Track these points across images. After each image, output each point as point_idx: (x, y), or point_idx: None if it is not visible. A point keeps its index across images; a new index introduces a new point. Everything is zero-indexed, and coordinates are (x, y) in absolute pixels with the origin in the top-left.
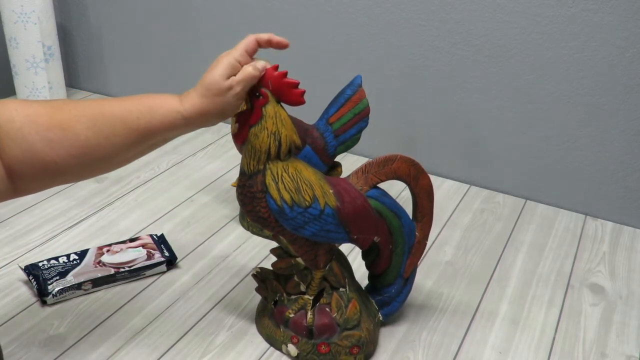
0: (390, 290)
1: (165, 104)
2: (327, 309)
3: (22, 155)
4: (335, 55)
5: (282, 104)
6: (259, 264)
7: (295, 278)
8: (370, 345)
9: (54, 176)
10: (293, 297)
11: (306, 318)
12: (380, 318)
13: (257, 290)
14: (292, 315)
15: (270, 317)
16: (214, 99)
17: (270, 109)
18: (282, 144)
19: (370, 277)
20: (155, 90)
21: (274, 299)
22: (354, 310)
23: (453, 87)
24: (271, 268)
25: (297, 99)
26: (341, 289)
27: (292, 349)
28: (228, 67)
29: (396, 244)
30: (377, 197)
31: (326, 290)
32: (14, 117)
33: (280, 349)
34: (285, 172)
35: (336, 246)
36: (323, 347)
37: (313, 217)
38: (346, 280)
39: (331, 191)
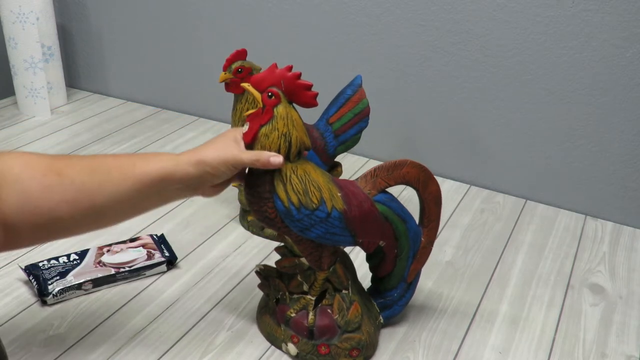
0: (392, 294)
1: (162, 153)
2: (329, 311)
3: (18, 202)
4: (335, 55)
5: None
6: (258, 264)
7: (299, 278)
8: (370, 348)
9: (47, 225)
10: (295, 296)
11: (307, 318)
12: (381, 320)
13: (260, 286)
14: (293, 315)
15: (272, 315)
16: (214, 153)
17: (282, 109)
18: (293, 145)
19: (373, 280)
20: (154, 89)
21: (275, 296)
22: (355, 313)
23: (453, 87)
24: (274, 266)
25: (310, 101)
26: (344, 291)
27: (292, 348)
28: (235, 136)
29: (401, 249)
30: (385, 201)
31: (329, 292)
32: (13, 165)
33: (280, 348)
34: (294, 173)
35: (341, 248)
36: (323, 348)
37: (320, 219)
38: (349, 282)
39: (339, 194)
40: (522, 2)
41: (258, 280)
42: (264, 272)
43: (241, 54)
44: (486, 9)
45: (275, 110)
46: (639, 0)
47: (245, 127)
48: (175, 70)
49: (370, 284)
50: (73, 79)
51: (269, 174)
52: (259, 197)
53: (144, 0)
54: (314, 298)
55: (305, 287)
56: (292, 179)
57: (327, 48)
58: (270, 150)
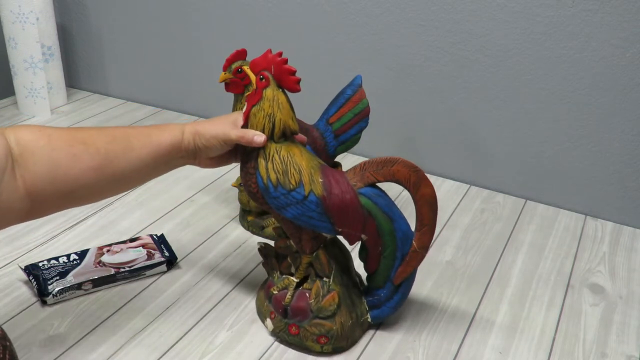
0: (379, 294)
1: (172, 124)
2: (307, 295)
3: (46, 171)
4: (335, 55)
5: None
6: (258, 264)
7: (288, 259)
8: (342, 340)
9: (71, 193)
10: (283, 276)
11: (285, 297)
12: (368, 319)
13: (263, 264)
14: (275, 292)
15: (264, 291)
16: (209, 127)
17: (270, 92)
18: (276, 126)
19: (366, 277)
20: (154, 89)
21: (272, 275)
22: (330, 302)
23: (453, 87)
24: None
25: (293, 86)
26: (325, 279)
27: (269, 324)
28: (235, 119)
29: (385, 247)
30: (371, 196)
31: (311, 277)
32: (37, 137)
33: (263, 322)
34: (277, 153)
35: (323, 235)
36: (293, 328)
37: (296, 200)
38: (332, 271)
39: (320, 180)
40: (522, 2)
41: (258, 280)
42: (264, 250)
43: (241, 54)
44: (486, 9)
45: (264, 92)
46: (639, 0)
47: (245, 107)
48: (175, 70)
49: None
50: (73, 79)
51: (256, 151)
52: (246, 171)
53: (144, 0)
54: (296, 280)
55: (293, 269)
56: (275, 158)
57: (327, 48)
58: (256, 128)
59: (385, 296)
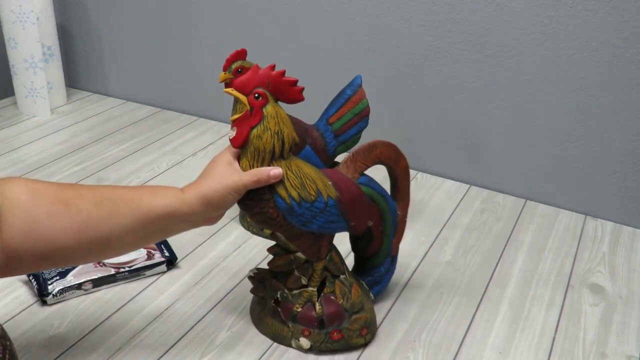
0: (380, 270)
1: (168, 188)
2: (333, 297)
3: (23, 228)
4: (335, 55)
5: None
6: (258, 264)
7: (296, 273)
8: (374, 325)
9: (50, 253)
10: (296, 291)
11: (315, 309)
12: (372, 297)
13: (253, 291)
14: (299, 310)
15: (273, 316)
16: (216, 184)
17: (271, 108)
18: (285, 142)
19: (359, 260)
20: (154, 89)
21: (273, 297)
22: (357, 294)
23: (453, 87)
24: (267, 268)
25: (297, 97)
26: (342, 276)
27: (305, 342)
28: (228, 160)
29: (386, 225)
30: (367, 183)
31: (328, 280)
32: (21, 191)
33: (289, 345)
34: (289, 170)
35: (332, 237)
36: (335, 334)
37: (319, 210)
38: (345, 266)
39: (330, 183)
40: (522, 2)
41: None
42: (258, 276)
43: (241, 54)
44: (486, 9)
45: (264, 110)
46: (639, 0)
47: (233, 133)
48: (175, 70)
49: (353, 268)
50: (73, 79)
51: None
52: (258, 199)
53: (144, 0)
54: (315, 289)
55: (304, 281)
56: (289, 176)
57: (327, 48)
58: (264, 150)
59: (386, 270)
